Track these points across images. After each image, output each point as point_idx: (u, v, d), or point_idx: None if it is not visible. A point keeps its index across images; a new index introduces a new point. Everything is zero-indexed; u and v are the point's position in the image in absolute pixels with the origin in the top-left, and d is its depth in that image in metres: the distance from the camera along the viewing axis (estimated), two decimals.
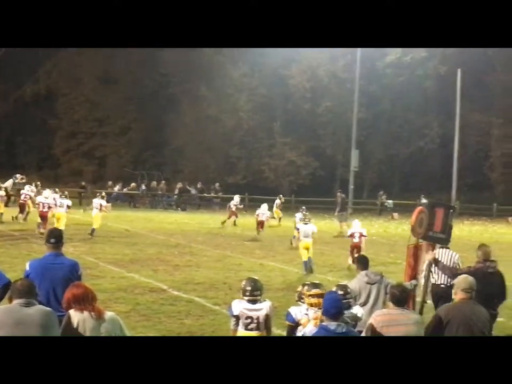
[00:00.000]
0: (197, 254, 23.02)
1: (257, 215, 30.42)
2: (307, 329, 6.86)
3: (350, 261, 21.12)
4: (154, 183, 51.20)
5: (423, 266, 11.02)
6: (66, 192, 28.45)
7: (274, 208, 36.50)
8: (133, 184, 50.81)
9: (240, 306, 8.56)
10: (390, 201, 50.21)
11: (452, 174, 52.75)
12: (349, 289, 8.85)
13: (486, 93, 57.65)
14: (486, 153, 58.98)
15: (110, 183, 51.73)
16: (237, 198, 35.22)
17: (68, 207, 26.79)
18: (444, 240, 10.89)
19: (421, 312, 10.09)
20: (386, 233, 34.20)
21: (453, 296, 7.89)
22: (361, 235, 21.92)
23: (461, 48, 45.06)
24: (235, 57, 53.35)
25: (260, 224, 30.07)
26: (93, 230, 26.12)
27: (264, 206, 31.17)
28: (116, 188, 50.95)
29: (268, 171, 55.77)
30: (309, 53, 52.42)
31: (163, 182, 51.43)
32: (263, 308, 8.55)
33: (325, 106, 55.20)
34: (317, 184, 54.66)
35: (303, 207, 29.71)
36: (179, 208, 47.41)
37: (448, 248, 12.65)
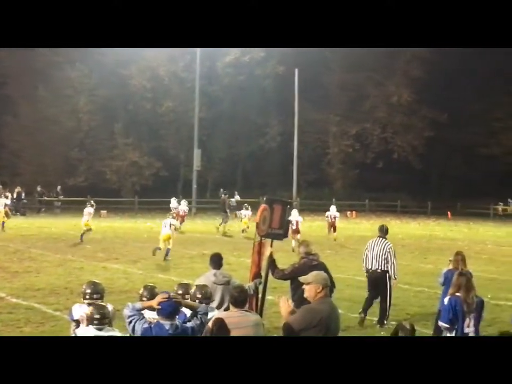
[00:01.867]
0: (36, 259, 22.32)
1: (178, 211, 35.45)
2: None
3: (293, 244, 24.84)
4: None
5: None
6: None
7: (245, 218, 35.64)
8: None
9: (80, 310, 8.35)
10: (233, 199, 50.67)
11: (293, 171, 54.06)
12: (189, 290, 8.76)
13: (322, 91, 59.62)
14: (325, 150, 60.99)
15: None
16: (181, 205, 36.99)
17: None
18: (281, 236, 11.05)
19: (261, 309, 10.24)
20: (230, 231, 34.51)
21: (312, 293, 7.37)
22: (297, 222, 26.40)
23: (298, 48, 46.21)
24: (72, 57, 52.06)
25: (181, 218, 34.71)
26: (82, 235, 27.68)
27: (182, 203, 36.73)
28: None
29: (110, 172, 55.06)
30: (147, 53, 52.23)
31: (0, 186, 49.58)
32: None
33: (167, 106, 55.26)
34: (160, 185, 54.55)
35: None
36: (18, 213, 45.87)
37: (385, 238, 13.48)
